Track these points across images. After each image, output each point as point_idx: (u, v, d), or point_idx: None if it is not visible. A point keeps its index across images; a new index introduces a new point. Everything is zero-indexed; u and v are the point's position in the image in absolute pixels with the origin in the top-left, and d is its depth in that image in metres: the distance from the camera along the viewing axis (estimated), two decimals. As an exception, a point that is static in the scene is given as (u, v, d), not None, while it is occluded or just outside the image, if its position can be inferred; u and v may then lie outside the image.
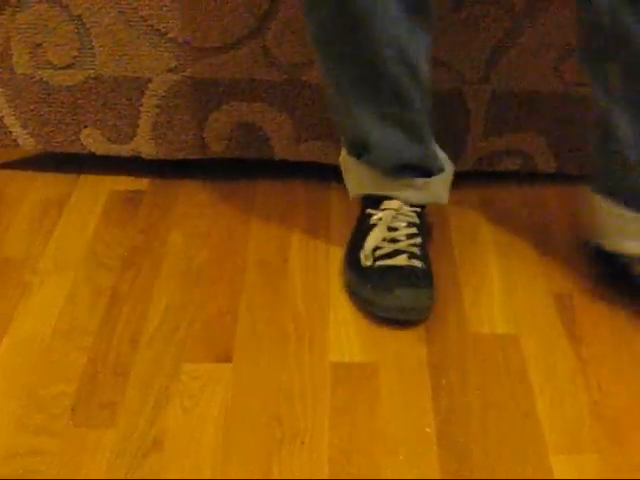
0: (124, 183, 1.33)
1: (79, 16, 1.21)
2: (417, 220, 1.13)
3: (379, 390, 0.98)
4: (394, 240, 1.11)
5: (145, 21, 1.21)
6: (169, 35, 1.22)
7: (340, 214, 1.26)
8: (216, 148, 1.31)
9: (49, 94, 1.27)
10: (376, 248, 1.10)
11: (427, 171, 1.13)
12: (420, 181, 1.13)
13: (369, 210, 1.14)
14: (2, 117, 1.29)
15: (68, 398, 0.96)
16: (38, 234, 1.22)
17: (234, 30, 1.20)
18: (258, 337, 1.05)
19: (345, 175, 1.18)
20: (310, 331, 1.06)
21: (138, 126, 1.29)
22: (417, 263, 1.08)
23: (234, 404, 0.96)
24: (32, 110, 1.28)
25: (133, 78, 1.25)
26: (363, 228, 1.14)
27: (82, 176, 1.35)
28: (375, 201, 1.14)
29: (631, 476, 0.88)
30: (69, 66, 1.25)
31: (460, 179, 1.31)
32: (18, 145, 1.32)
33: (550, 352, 1.03)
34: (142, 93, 1.27)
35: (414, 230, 1.12)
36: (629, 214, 1.05)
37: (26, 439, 0.92)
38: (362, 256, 1.10)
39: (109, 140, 1.31)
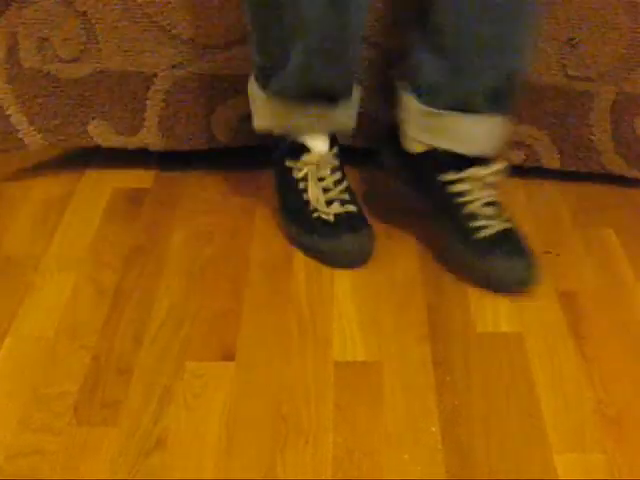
0: (127, 181, 1.33)
1: (84, 12, 1.21)
2: (338, 163, 1.17)
3: (383, 389, 0.98)
4: (325, 189, 1.15)
5: (150, 18, 1.21)
6: (173, 32, 1.22)
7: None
8: (223, 139, 1.31)
9: (57, 87, 1.27)
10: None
11: (333, 97, 1.14)
12: (326, 109, 1.14)
13: (289, 163, 1.17)
14: (10, 115, 1.28)
15: (71, 397, 0.96)
16: (41, 233, 1.22)
17: (237, 27, 1.20)
18: (262, 335, 1.05)
19: (252, 106, 1.19)
20: (313, 330, 1.06)
21: (145, 119, 1.29)
22: (351, 207, 1.13)
23: (237, 403, 0.96)
24: (40, 104, 1.28)
25: (138, 73, 1.25)
26: (289, 183, 1.17)
27: (85, 174, 1.35)
28: (292, 151, 1.17)
29: (636, 476, 0.88)
30: (76, 59, 1.25)
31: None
32: (24, 145, 1.31)
33: (554, 351, 1.03)
34: (148, 87, 1.27)
35: (339, 175, 1.16)
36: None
37: (29, 438, 0.92)
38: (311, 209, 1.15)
39: (117, 132, 1.30)
